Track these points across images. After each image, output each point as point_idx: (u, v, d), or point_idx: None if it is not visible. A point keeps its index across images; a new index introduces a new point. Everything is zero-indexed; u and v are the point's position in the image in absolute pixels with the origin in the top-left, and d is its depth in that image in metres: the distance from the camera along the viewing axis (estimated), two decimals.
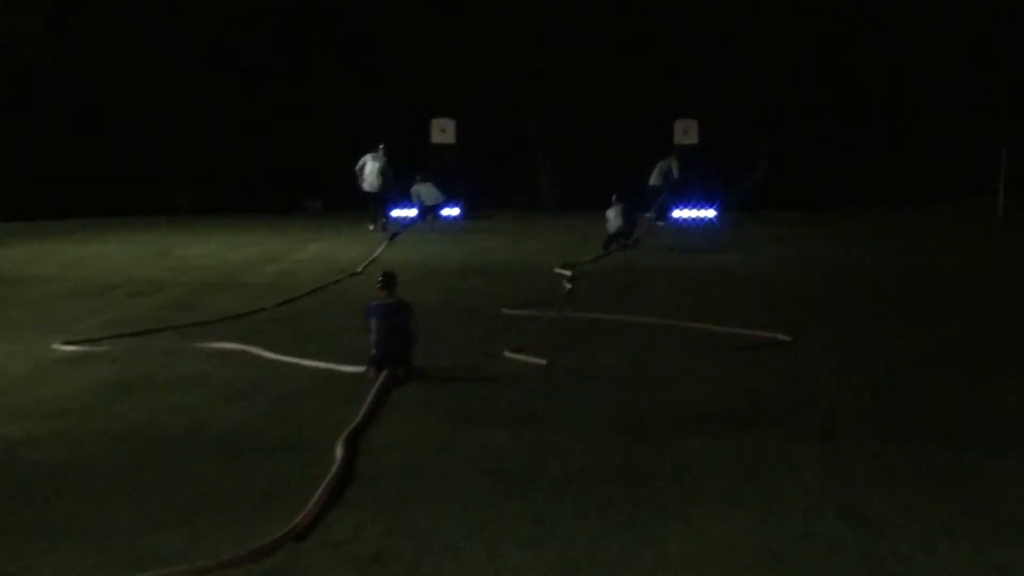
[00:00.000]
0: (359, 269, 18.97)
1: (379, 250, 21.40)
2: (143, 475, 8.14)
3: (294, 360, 11.68)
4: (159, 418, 9.66)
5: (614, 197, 22.81)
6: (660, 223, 26.21)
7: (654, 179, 27.12)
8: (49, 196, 28.64)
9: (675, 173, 27.08)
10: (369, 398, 9.99)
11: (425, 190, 29.17)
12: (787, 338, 12.80)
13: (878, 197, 30.55)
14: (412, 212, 28.56)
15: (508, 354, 11.85)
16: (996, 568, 6.49)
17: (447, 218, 29.01)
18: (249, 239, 24.00)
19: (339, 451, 8.46)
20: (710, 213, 27.93)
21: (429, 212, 29.06)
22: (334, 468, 8.05)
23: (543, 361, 11.44)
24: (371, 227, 26.19)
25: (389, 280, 11.49)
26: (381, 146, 26.41)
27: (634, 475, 8.11)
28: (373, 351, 11.05)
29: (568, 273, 17.94)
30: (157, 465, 8.37)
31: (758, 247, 22.46)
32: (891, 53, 30.57)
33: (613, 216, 22.37)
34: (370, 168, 26.19)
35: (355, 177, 26.14)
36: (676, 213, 27.60)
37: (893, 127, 31.37)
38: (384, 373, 10.79)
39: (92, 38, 29.92)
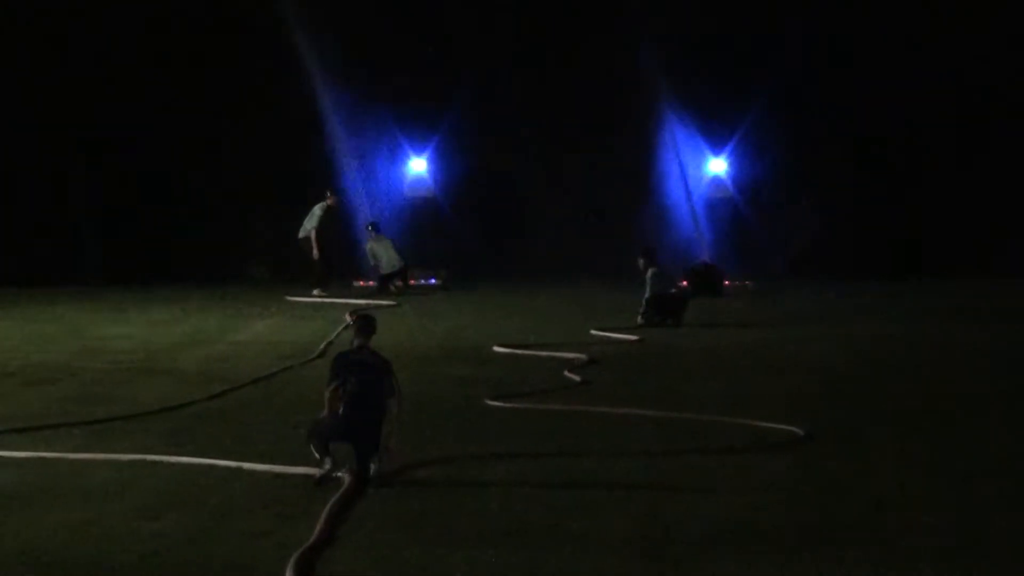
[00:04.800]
0: (318, 352, 18.87)
1: (339, 329, 21.39)
2: None
3: (233, 464, 11.60)
4: (64, 539, 9.56)
5: (644, 251, 22.82)
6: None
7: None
8: None
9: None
10: (327, 509, 9.94)
11: (381, 250, 28.71)
12: (800, 432, 12.88)
13: (941, 264, 30.73)
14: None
15: None
16: None
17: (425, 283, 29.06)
18: (177, 315, 24.00)
19: None
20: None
21: (385, 282, 28.56)
22: None
23: None
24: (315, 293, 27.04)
25: (368, 325, 11.49)
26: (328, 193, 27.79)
27: None
28: (333, 416, 10.95)
29: (581, 359, 17.91)
30: None
31: (812, 323, 22.46)
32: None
33: (656, 280, 22.20)
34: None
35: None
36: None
37: (959, 182, 31.61)
38: (347, 481, 10.73)
39: None
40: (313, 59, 31.79)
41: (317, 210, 27.80)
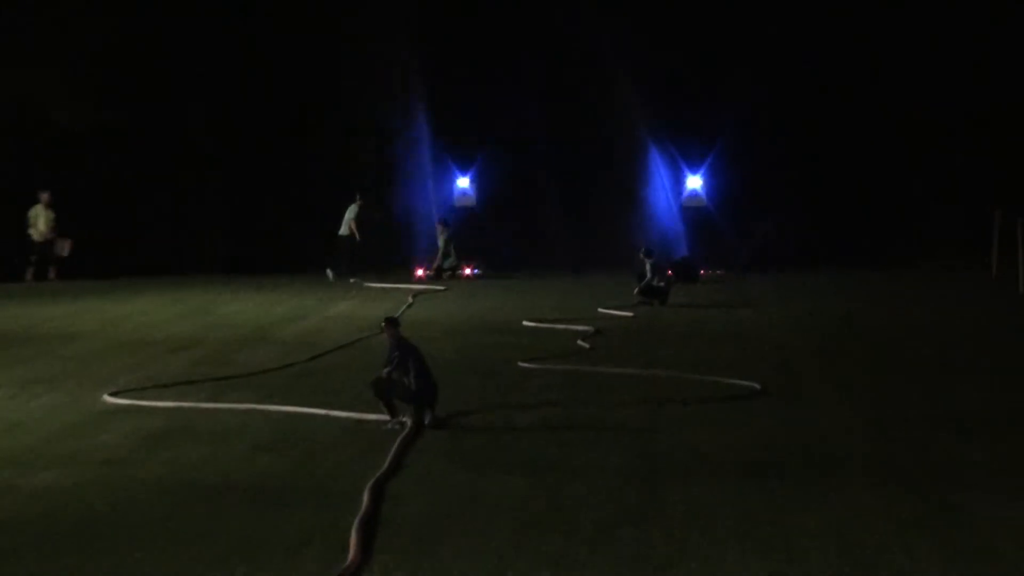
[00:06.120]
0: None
1: (403, 308, 21.43)
2: (180, 524, 8.15)
3: (323, 411, 11.69)
4: (196, 468, 9.68)
5: (643, 250, 22.82)
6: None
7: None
8: (90, 256, 28.76)
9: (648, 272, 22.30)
10: (395, 447, 10.01)
11: (450, 247, 28.76)
12: (757, 386, 12.83)
13: (873, 256, 30.59)
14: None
15: None
16: None
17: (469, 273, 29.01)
18: (281, 297, 24.05)
19: (366, 498, 8.47)
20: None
21: (445, 273, 28.51)
22: (359, 515, 8.05)
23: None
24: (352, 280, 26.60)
25: (397, 322, 11.51)
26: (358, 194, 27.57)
27: (645, 519, 8.10)
28: (415, 394, 10.89)
29: (591, 330, 17.83)
30: (193, 514, 8.39)
31: (767, 303, 22.38)
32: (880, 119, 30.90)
33: (650, 270, 22.23)
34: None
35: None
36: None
37: (889, 189, 31.48)
38: (410, 425, 10.77)
39: (122, 100, 30.14)
40: (392, 105, 32.06)
41: (354, 210, 27.66)
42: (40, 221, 27.32)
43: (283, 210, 31.85)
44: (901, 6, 30.54)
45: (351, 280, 26.90)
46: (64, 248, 27.34)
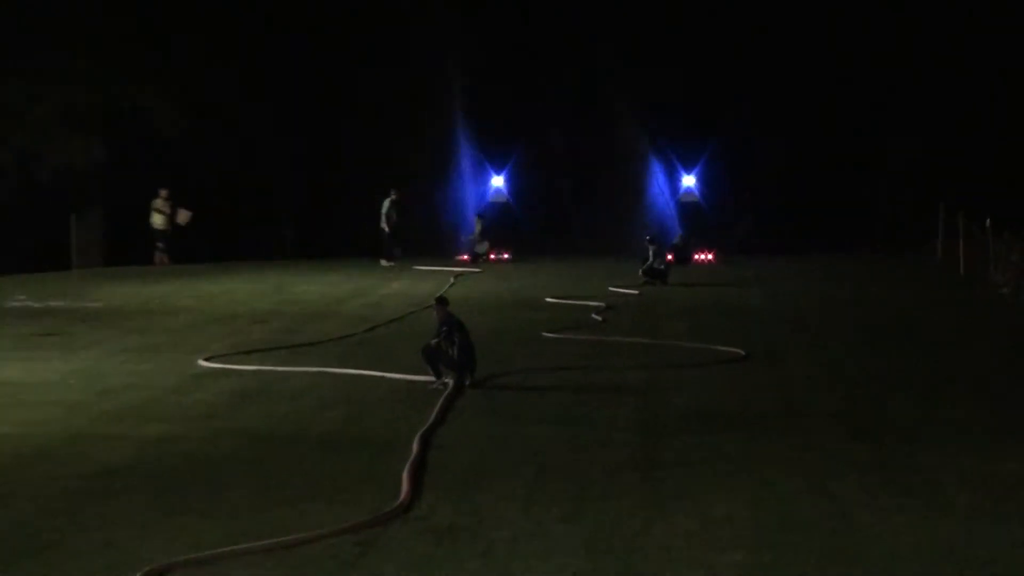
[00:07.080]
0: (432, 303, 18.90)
1: (445, 288, 21.44)
2: (262, 466, 8.27)
3: (379, 373, 11.74)
4: (275, 421, 9.79)
5: (648, 237, 22.77)
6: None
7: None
8: (185, 243, 28.98)
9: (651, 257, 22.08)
10: (439, 403, 10.06)
11: (484, 236, 28.77)
12: (743, 352, 12.71)
13: (842, 245, 30.43)
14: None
15: None
16: (936, 537, 6.50)
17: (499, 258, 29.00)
18: (344, 278, 24.14)
19: (415, 446, 8.54)
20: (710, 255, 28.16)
21: (480, 258, 28.50)
22: (410, 460, 8.13)
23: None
24: (383, 263, 26.24)
25: (446, 301, 11.51)
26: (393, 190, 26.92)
27: (650, 464, 8.15)
28: (458, 361, 10.82)
29: (602, 305, 17.80)
30: (273, 458, 8.50)
31: (749, 285, 22.30)
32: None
33: (652, 255, 22.17)
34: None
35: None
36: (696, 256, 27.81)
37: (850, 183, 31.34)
38: (452, 385, 10.80)
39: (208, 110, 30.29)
40: (437, 114, 32.11)
41: (387, 203, 27.09)
42: (159, 210, 27.46)
43: (345, 203, 31.92)
44: (874, 16, 30.30)
45: (384, 263, 26.73)
46: (185, 217, 27.34)
